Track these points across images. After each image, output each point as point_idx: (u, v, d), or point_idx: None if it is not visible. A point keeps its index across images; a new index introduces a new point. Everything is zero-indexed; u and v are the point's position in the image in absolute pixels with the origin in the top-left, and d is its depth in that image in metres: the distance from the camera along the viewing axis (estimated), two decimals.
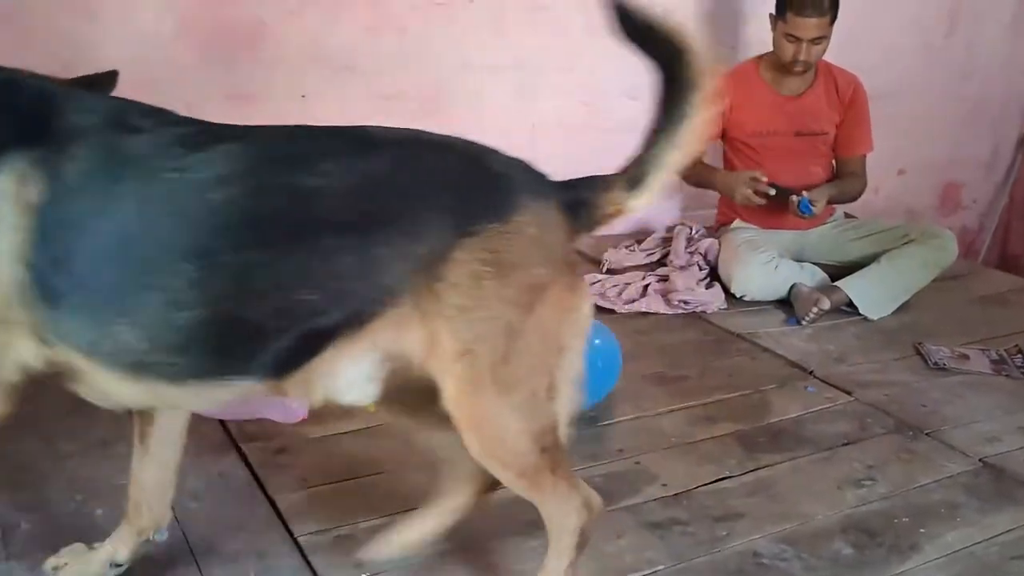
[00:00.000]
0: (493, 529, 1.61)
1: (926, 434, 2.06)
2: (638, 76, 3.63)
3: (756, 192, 2.79)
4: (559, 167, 3.40)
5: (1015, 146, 4.27)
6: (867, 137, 3.02)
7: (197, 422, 1.85)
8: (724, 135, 3.02)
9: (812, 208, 2.78)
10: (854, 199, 3.02)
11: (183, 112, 2.52)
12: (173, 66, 2.53)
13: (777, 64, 2.92)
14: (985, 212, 4.39)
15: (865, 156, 3.03)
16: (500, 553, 1.55)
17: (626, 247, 3.14)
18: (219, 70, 2.59)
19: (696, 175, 3.06)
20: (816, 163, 3.00)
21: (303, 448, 1.82)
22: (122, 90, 2.46)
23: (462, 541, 1.57)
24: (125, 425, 1.84)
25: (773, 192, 2.78)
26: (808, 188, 2.84)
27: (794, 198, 2.78)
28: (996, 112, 4.15)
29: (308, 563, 1.49)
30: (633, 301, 2.72)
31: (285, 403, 1.89)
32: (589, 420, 2.02)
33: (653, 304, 2.71)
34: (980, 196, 4.35)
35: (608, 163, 3.61)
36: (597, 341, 2.01)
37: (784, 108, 2.95)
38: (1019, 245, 4.43)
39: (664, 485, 1.79)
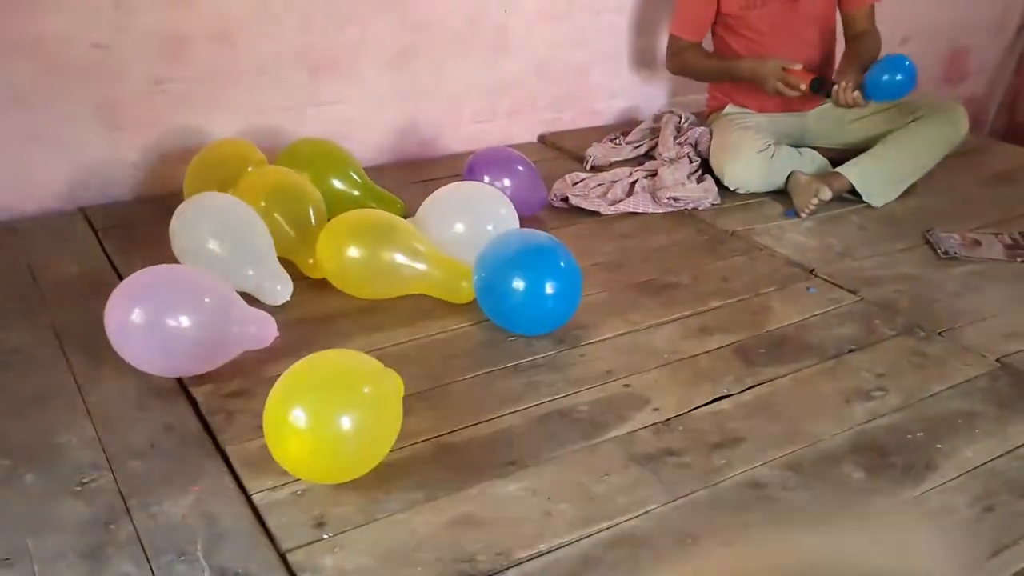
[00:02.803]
0: (466, 474, 1.46)
1: (939, 334, 1.90)
2: None
3: (788, 84, 2.55)
4: (538, 56, 3.15)
5: None
6: None
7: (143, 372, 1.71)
8: (717, 12, 2.74)
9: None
10: (876, 56, 2.71)
11: (112, 16, 2.27)
12: None
13: None
14: (993, 79, 4.13)
15: (873, 7, 2.74)
16: (475, 501, 1.40)
17: (611, 140, 2.91)
18: None
19: (699, 65, 2.79)
20: (811, 27, 2.72)
21: (259, 389, 1.63)
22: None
23: (431, 490, 1.42)
24: (62, 376, 1.70)
25: (804, 86, 2.54)
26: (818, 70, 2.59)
27: (836, 87, 2.53)
28: None
29: (263, 525, 1.34)
30: (619, 201, 2.51)
31: (256, 324, 1.70)
32: (574, 339, 1.86)
33: (640, 203, 2.50)
34: (988, 62, 4.08)
35: (593, 50, 3.37)
36: (562, 264, 1.83)
37: None
38: None
39: (656, 410, 1.63)
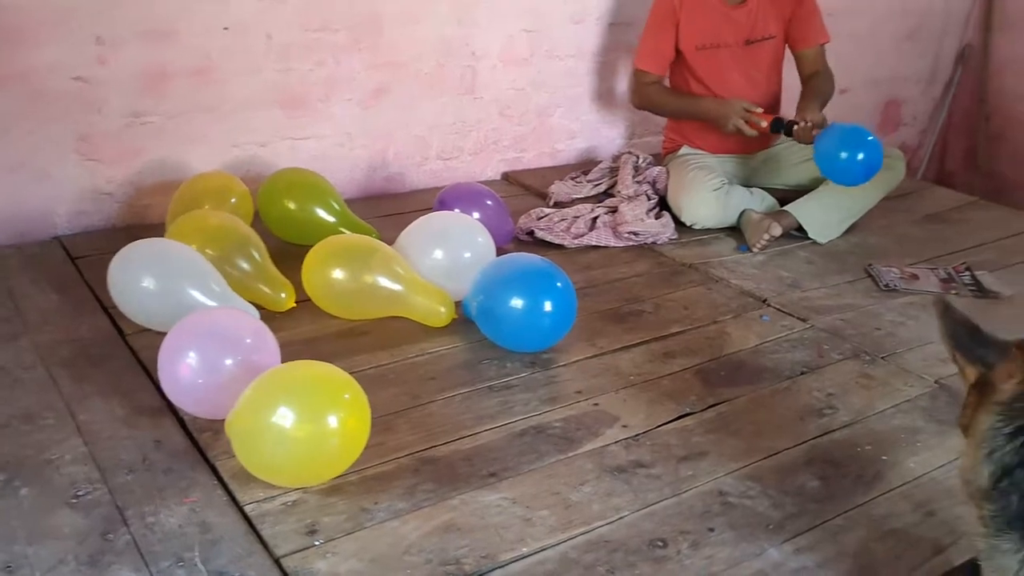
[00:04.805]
0: (449, 485, 1.54)
1: (882, 358, 2.04)
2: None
3: (749, 123, 2.69)
4: (502, 98, 3.28)
5: (954, 61, 4.26)
6: (822, 26, 2.91)
7: (131, 387, 1.76)
8: (676, 53, 2.89)
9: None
10: (831, 95, 2.90)
11: (95, 50, 2.35)
12: None
13: None
14: (924, 128, 4.40)
15: (824, 47, 2.93)
16: (459, 510, 1.48)
17: (572, 178, 3.05)
18: (132, 1, 2.38)
19: (662, 101, 2.92)
20: (759, 71, 2.90)
21: None
22: (22, 29, 2.27)
23: (416, 500, 1.50)
24: (50, 396, 1.73)
25: (764, 124, 2.69)
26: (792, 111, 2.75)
27: (799, 125, 2.64)
28: (938, 26, 4.11)
29: (256, 533, 1.40)
30: (582, 235, 2.63)
31: (268, 352, 1.69)
32: (545, 362, 1.96)
33: (603, 237, 2.63)
34: (919, 112, 4.35)
35: (554, 94, 3.49)
36: (559, 284, 1.94)
37: (732, 17, 2.82)
38: (955, 161, 4.46)
39: (625, 426, 1.74)
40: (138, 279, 1.89)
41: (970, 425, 1.15)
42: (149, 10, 2.39)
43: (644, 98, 2.95)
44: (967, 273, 2.50)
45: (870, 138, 2.56)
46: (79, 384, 1.77)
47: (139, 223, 2.53)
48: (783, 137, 2.82)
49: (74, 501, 1.44)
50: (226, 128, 2.62)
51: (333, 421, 1.46)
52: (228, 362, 1.60)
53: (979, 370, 1.13)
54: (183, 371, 1.61)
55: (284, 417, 1.43)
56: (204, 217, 2.14)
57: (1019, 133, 4.16)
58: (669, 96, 2.93)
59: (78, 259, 2.32)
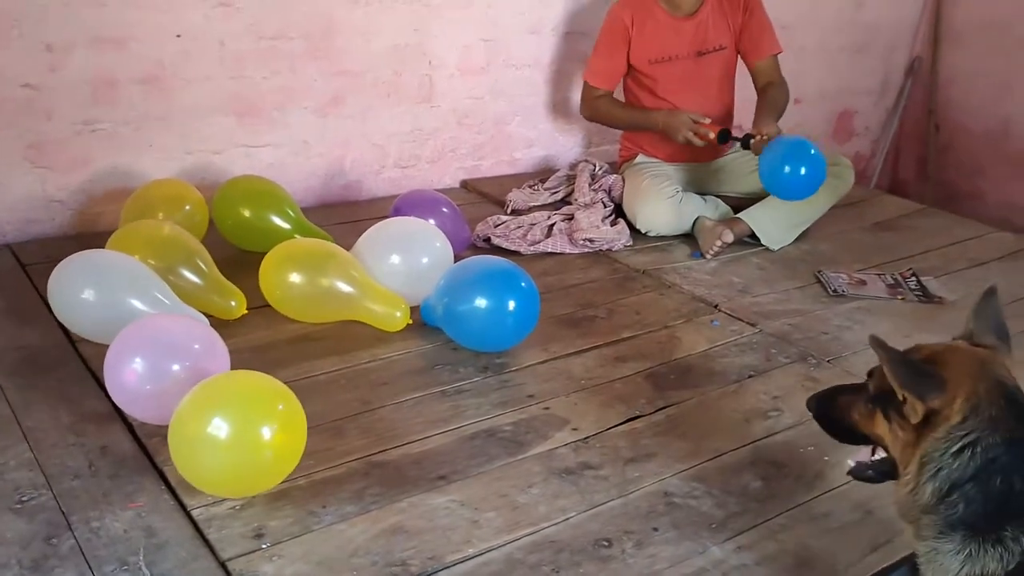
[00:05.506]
0: (398, 488, 1.55)
1: (828, 361, 2.09)
2: (538, 10, 3.52)
3: (698, 135, 2.73)
4: (460, 107, 3.30)
5: (904, 73, 4.36)
6: (773, 38, 2.96)
7: (79, 394, 1.75)
8: (628, 68, 2.94)
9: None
10: (786, 105, 2.94)
11: (45, 58, 2.33)
12: (30, 3, 2.29)
13: None
14: (877, 139, 4.49)
15: (777, 57, 2.97)
16: (407, 513, 1.49)
17: (529, 186, 3.08)
18: (83, 7, 2.36)
19: (612, 114, 2.96)
20: (713, 83, 2.95)
21: None
22: None
23: (364, 504, 1.51)
24: None
25: (712, 135, 2.73)
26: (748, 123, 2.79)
27: (756, 139, 2.66)
28: (888, 40, 4.21)
29: (203, 537, 1.40)
30: (538, 242, 2.66)
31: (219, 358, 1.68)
32: (498, 367, 1.97)
33: (559, 244, 2.66)
34: (872, 123, 4.44)
35: (511, 102, 3.52)
36: (523, 284, 1.97)
37: (682, 29, 2.87)
38: (908, 170, 4.56)
39: (575, 429, 1.76)
40: (78, 291, 1.86)
41: (910, 459, 1.18)
42: (100, 17, 2.39)
43: (594, 111, 3.00)
44: (913, 279, 2.57)
45: (813, 152, 2.60)
46: (26, 391, 1.76)
47: (91, 231, 2.51)
48: (737, 146, 2.87)
49: (18, 507, 1.43)
50: (179, 135, 2.61)
51: (266, 432, 1.45)
52: (175, 368, 1.60)
53: (927, 406, 1.16)
54: (130, 376, 1.60)
55: (218, 428, 1.42)
56: (145, 227, 2.12)
57: (966, 143, 4.27)
58: (618, 109, 2.98)
59: (28, 266, 2.30)
